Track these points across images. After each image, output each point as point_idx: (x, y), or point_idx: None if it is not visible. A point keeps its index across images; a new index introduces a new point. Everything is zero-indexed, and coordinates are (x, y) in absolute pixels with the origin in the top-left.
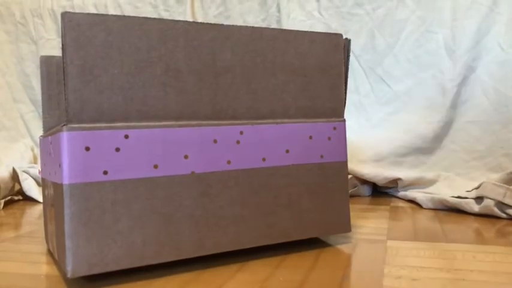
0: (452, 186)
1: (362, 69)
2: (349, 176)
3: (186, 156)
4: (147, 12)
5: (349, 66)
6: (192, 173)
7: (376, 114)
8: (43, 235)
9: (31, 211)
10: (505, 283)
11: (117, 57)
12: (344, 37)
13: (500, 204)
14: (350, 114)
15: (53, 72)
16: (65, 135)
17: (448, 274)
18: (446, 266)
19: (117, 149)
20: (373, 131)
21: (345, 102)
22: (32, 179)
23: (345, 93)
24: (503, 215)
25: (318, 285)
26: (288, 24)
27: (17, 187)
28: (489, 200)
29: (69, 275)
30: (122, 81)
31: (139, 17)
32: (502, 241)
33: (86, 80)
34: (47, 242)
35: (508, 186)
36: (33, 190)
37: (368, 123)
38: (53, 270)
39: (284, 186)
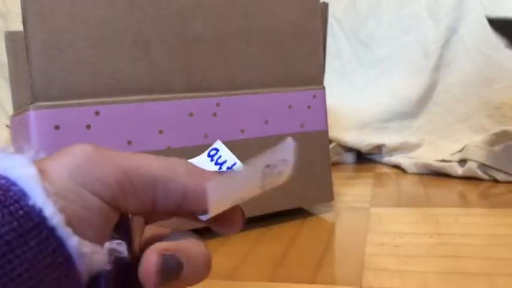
0: (437, 150)
1: (344, 33)
2: (333, 144)
3: (161, 131)
4: None
5: (329, 31)
6: (168, 147)
7: (359, 79)
8: None
9: None
10: (484, 245)
11: (82, 30)
12: (321, 1)
13: (483, 166)
14: (332, 80)
15: (19, 48)
16: (32, 115)
17: (431, 239)
18: (429, 230)
19: (88, 126)
20: (356, 97)
21: (324, 69)
22: None
23: (324, 59)
24: (486, 177)
25: (300, 256)
26: None
27: None
28: (472, 163)
29: None
30: (89, 55)
31: None
32: (483, 203)
33: (50, 56)
34: None
35: (490, 148)
36: None
37: (351, 89)
38: None
39: None
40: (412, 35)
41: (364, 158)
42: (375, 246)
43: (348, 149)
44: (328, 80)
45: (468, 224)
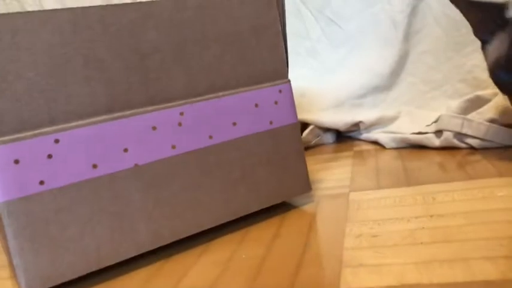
0: (414, 121)
1: (310, 13)
2: (311, 126)
3: (125, 150)
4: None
5: (296, 12)
6: (135, 165)
7: (330, 58)
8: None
9: None
10: (461, 225)
11: (29, 58)
12: None
13: (459, 135)
14: (304, 61)
15: None
16: None
17: (409, 224)
18: (407, 214)
19: (49, 156)
20: (329, 76)
21: (288, 62)
22: None
23: (286, 50)
24: (463, 145)
25: (279, 258)
26: None
27: None
28: (448, 133)
29: None
30: (40, 84)
31: (46, 10)
32: (461, 175)
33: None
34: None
35: (464, 116)
36: None
37: (323, 69)
38: (15, 284)
39: (236, 160)
40: (378, 7)
41: (344, 136)
42: (353, 238)
43: (327, 129)
44: (299, 62)
45: (445, 202)
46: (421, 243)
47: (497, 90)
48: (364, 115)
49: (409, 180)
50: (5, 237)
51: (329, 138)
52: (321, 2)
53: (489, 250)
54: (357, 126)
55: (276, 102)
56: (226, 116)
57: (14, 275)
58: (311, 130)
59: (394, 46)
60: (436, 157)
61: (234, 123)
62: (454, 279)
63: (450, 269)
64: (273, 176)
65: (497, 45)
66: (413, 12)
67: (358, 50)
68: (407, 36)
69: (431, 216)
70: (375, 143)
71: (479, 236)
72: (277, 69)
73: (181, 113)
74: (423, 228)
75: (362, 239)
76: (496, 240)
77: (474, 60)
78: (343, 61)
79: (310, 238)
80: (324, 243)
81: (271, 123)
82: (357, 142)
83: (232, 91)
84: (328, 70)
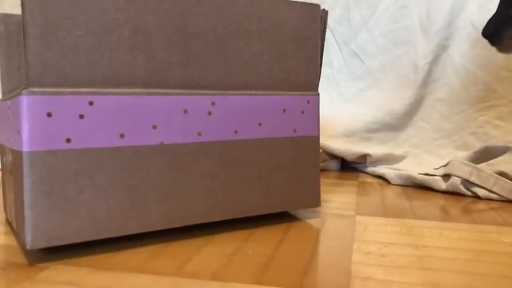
0: (420, 163)
1: (336, 42)
2: (319, 151)
3: (154, 126)
4: None
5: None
6: (161, 143)
7: (348, 89)
8: (1, 204)
9: None
10: (471, 259)
11: (82, 17)
12: (322, 8)
13: (466, 182)
14: (322, 88)
15: (13, 32)
16: (24, 100)
17: (416, 251)
18: (414, 242)
19: (81, 116)
20: (344, 106)
21: (320, 76)
22: None
23: (320, 66)
24: (469, 193)
25: (287, 260)
26: None
27: None
28: (456, 178)
29: (28, 247)
30: (87, 44)
31: None
32: (466, 218)
33: (48, 42)
34: (5, 211)
35: (474, 165)
36: None
37: (340, 98)
38: (12, 241)
39: (255, 159)
40: (402, 49)
41: (348, 167)
42: (361, 254)
43: (333, 156)
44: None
45: (453, 238)
46: (430, 268)
47: (509, 145)
48: (373, 149)
49: (415, 214)
50: (18, 189)
51: (334, 165)
52: (348, 34)
53: (499, 287)
54: (363, 158)
55: (302, 112)
56: (254, 115)
57: (14, 231)
58: (319, 154)
59: (411, 89)
60: (441, 200)
61: (260, 124)
62: None
63: None
64: (287, 183)
65: None
66: (435, 60)
67: (376, 87)
68: (426, 82)
69: (439, 247)
70: (380, 177)
71: (489, 272)
72: (309, 80)
73: (213, 103)
74: (431, 256)
75: (370, 257)
76: (507, 279)
77: (486, 116)
78: (360, 94)
79: (317, 248)
80: (331, 254)
81: (294, 131)
82: (362, 174)
83: (264, 92)
84: (345, 100)
